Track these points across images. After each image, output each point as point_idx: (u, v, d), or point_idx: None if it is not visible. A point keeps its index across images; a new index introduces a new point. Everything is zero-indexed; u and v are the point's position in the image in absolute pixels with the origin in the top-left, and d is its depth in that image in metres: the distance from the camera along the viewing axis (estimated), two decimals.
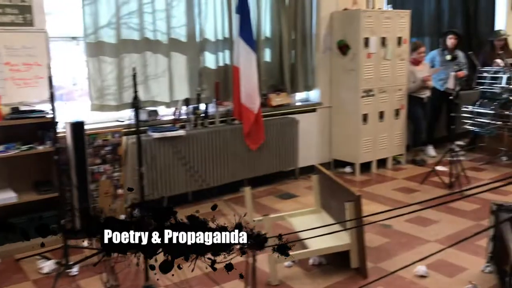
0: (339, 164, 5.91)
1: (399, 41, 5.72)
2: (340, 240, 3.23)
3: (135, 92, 2.62)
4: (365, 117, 5.61)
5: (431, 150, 6.43)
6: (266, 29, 5.27)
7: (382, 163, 5.94)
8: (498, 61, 6.07)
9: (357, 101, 5.53)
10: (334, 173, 5.73)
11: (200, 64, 4.81)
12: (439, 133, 6.66)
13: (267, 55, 5.33)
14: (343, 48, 5.53)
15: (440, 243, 3.70)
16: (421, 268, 3.21)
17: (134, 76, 2.60)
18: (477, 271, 3.23)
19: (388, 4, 6.30)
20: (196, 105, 4.71)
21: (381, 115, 5.76)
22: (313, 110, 5.75)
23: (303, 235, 3.49)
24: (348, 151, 5.75)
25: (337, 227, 3.44)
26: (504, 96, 5.98)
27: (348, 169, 5.79)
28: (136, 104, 2.55)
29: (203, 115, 4.75)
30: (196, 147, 4.60)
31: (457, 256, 3.46)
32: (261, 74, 5.10)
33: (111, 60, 4.26)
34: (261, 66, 5.13)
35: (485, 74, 6.17)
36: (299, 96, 5.80)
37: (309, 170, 5.27)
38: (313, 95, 5.85)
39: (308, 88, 5.71)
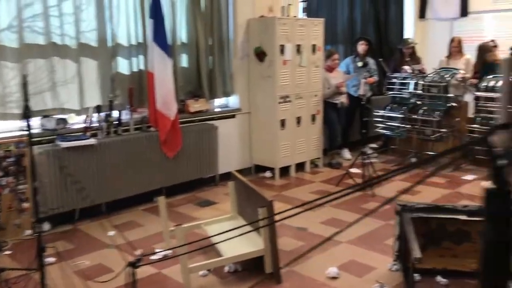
0: (260, 169, 5.96)
1: (314, 48, 5.89)
2: (254, 246, 3.23)
3: (26, 101, 2.45)
4: (283, 123, 5.70)
5: (346, 153, 6.67)
6: (182, 34, 5.21)
7: (300, 166, 6.07)
8: (406, 67, 6.42)
9: (275, 107, 5.61)
10: (255, 178, 5.80)
11: (113, 70, 4.65)
12: (354, 137, 6.92)
13: (183, 60, 5.27)
14: (260, 54, 5.59)
15: (351, 244, 3.82)
16: (332, 270, 3.29)
17: (25, 84, 2.44)
18: (385, 270, 3.37)
19: (303, 12, 6.49)
20: (109, 112, 4.54)
21: (298, 120, 5.89)
22: (233, 116, 5.75)
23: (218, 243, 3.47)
24: (267, 156, 5.82)
25: (252, 233, 3.45)
26: (412, 100, 6.34)
27: (268, 174, 5.86)
28: (27, 114, 2.39)
29: (116, 122, 4.59)
30: (109, 156, 4.44)
31: (366, 256, 3.59)
32: (177, 79, 5.03)
33: (12, 65, 4.01)
34: (177, 71, 5.06)
35: (394, 80, 6.50)
36: (218, 102, 5.79)
37: (230, 176, 5.25)
38: (232, 101, 5.86)
39: (226, 94, 5.71)
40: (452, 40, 6.63)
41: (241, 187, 3.82)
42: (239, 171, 5.67)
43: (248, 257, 3.20)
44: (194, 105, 5.26)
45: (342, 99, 6.35)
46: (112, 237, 4.03)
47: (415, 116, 6.22)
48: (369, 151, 6.72)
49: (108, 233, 4.08)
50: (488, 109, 5.70)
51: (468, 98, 6.36)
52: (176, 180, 4.99)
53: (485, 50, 6.33)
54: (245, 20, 5.67)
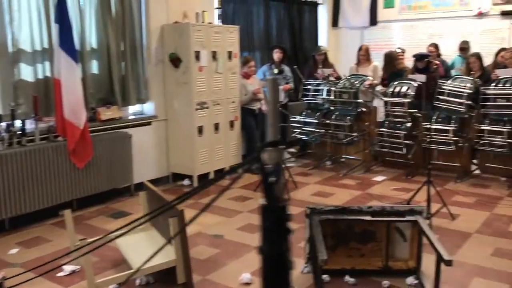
0: (178, 177, 5.87)
1: (230, 55, 5.92)
2: (166, 256, 3.16)
3: None
4: (200, 129, 5.66)
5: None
6: (92, 40, 5.02)
7: (220, 173, 6.06)
8: (319, 71, 6.62)
9: (192, 113, 5.56)
10: (173, 187, 5.71)
11: (15, 77, 4.37)
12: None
13: (94, 66, 5.08)
14: (175, 61, 5.52)
15: None
16: (245, 276, 3.30)
17: None
18: (297, 273, 3.43)
19: (218, 19, 6.50)
20: (11, 121, 4.26)
21: (216, 126, 5.88)
22: (148, 124, 5.63)
23: (129, 255, 3.36)
24: (185, 163, 5.75)
25: (163, 244, 3.38)
26: (325, 106, 6.57)
27: (186, 182, 5.78)
28: None
29: (20, 132, 4.32)
30: (12, 168, 4.16)
31: None
32: (87, 86, 4.84)
33: None
34: (87, 78, 4.87)
35: (309, 87, 6.71)
36: (133, 109, 5.64)
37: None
38: (148, 108, 5.73)
39: (141, 101, 5.58)
40: (360, 49, 6.94)
41: (153, 197, 3.73)
42: (156, 180, 5.58)
43: (159, 269, 3.12)
44: (106, 113, 5.08)
45: (263, 106, 6.43)
46: (14, 255, 3.78)
47: (329, 121, 6.44)
48: (286, 156, 6.88)
49: (10, 251, 3.82)
50: (395, 113, 6.01)
51: (377, 103, 6.70)
52: (87, 192, 4.78)
53: (391, 58, 6.68)
54: (159, 25, 5.58)
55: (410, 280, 3.23)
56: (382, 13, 8.30)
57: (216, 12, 6.51)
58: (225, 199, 5.26)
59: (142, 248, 3.45)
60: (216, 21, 6.41)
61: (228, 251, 3.81)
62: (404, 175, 5.98)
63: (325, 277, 3.27)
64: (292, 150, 7.37)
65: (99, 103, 5.11)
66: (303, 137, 6.72)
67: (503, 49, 6.52)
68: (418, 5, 7.94)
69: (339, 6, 8.66)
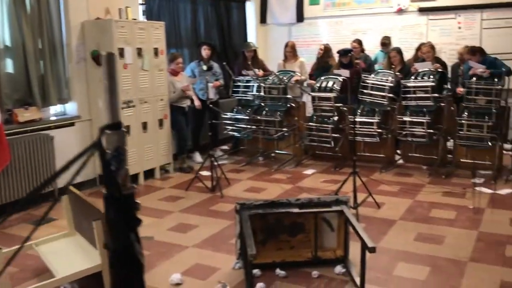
0: None
1: (156, 52, 5.78)
2: (91, 262, 3.03)
3: None
4: (127, 129, 5.49)
5: (198, 157, 6.68)
6: (5, 37, 4.72)
7: (150, 173, 5.92)
8: (251, 72, 6.63)
9: None
10: (101, 189, 5.49)
11: None
12: (205, 140, 6.97)
13: (8, 65, 4.77)
14: (98, 58, 5.31)
15: (197, 248, 3.81)
16: (175, 276, 3.24)
17: None
18: (229, 269, 3.41)
19: (143, 15, 6.34)
20: None
21: (145, 125, 5.73)
22: (71, 124, 5.37)
23: (51, 263, 3.19)
24: None
25: (90, 248, 3.24)
26: (256, 102, 6.61)
27: None
28: None
29: None
30: None
31: (212, 257, 3.61)
32: (1, 87, 4.54)
33: None
34: (1, 78, 4.57)
35: (239, 83, 6.71)
36: (54, 110, 5.36)
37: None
38: (70, 108, 5.48)
39: (62, 101, 5.32)
40: (286, 45, 7.02)
41: (76, 201, 3.56)
42: (83, 182, 5.35)
43: (84, 275, 2.98)
44: (24, 114, 4.80)
45: (196, 103, 6.35)
46: None
47: (259, 117, 6.48)
48: (219, 153, 6.85)
49: None
50: (323, 107, 6.16)
51: (305, 98, 6.83)
52: (5, 199, 4.49)
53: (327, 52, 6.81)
54: (79, 22, 5.34)
55: (338, 269, 3.31)
56: (308, 10, 8.46)
57: (141, 8, 6.33)
58: (156, 199, 5.15)
59: (66, 255, 3.29)
60: (141, 17, 6.25)
61: (159, 252, 3.72)
62: (332, 168, 6.14)
63: (256, 271, 3.27)
64: (225, 147, 7.35)
65: (16, 104, 4.81)
66: (235, 134, 6.72)
67: (423, 44, 6.86)
68: (342, 2, 8.18)
69: (266, 2, 8.73)
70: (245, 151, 7.02)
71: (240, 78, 6.72)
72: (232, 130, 6.70)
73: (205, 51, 6.60)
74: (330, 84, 6.18)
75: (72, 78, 5.35)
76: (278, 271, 3.30)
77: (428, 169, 5.89)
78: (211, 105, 6.09)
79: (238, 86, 6.71)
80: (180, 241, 3.93)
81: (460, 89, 5.83)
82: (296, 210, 3.29)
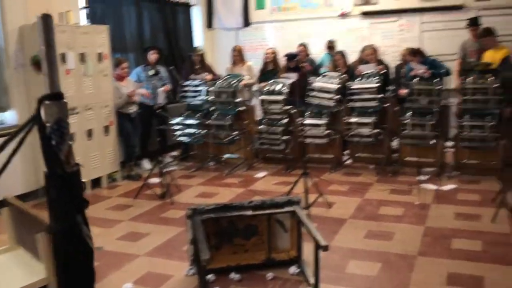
0: None
1: (100, 56, 5.62)
2: (35, 276, 2.87)
3: None
4: (71, 137, 5.28)
5: (146, 164, 6.53)
6: None
7: (97, 182, 5.73)
8: (199, 76, 6.55)
9: None
10: (44, 201, 5.25)
11: None
12: (154, 146, 6.84)
13: None
14: (38, 64, 5.08)
15: (149, 256, 3.71)
16: (127, 286, 3.13)
17: None
18: (182, 276, 3.34)
19: (87, 19, 6.15)
20: None
21: (90, 133, 5.55)
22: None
23: None
24: None
25: (34, 262, 3.08)
26: (205, 107, 6.55)
27: None
28: None
29: None
30: None
31: (164, 265, 3.52)
32: None
33: None
34: None
35: (187, 88, 6.63)
36: None
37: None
38: (9, 117, 5.21)
39: (0, 109, 5.05)
40: (234, 49, 7.03)
41: (18, 213, 3.37)
42: (26, 194, 5.10)
43: None
44: None
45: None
46: None
47: (209, 122, 6.43)
48: (169, 160, 6.73)
49: None
50: (272, 110, 6.19)
51: (255, 102, 6.85)
52: None
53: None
54: (17, 26, 5.10)
55: (293, 269, 3.31)
56: (255, 14, 8.51)
57: (83, 12, 6.13)
58: (103, 209, 4.98)
59: (7, 271, 3.11)
60: (84, 21, 6.05)
61: (109, 263, 3.59)
62: (284, 170, 6.18)
63: (210, 276, 3.22)
64: (174, 153, 7.23)
65: None
66: (185, 139, 6.63)
67: (366, 47, 7.06)
68: (287, 7, 8.28)
69: (212, 7, 8.71)
70: (195, 156, 6.93)
71: (188, 82, 6.64)
72: (182, 136, 6.61)
73: (153, 56, 6.47)
74: (278, 87, 6.23)
75: (10, 85, 5.10)
76: (232, 275, 3.26)
77: (375, 168, 6.04)
78: (158, 111, 5.98)
79: (187, 91, 6.63)
80: (130, 250, 3.81)
81: (403, 91, 6.03)
82: (249, 212, 3.27)
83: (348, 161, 6.39)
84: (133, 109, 6.13)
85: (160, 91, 6.37)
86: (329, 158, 6.26)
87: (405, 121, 5.74)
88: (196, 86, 6.59)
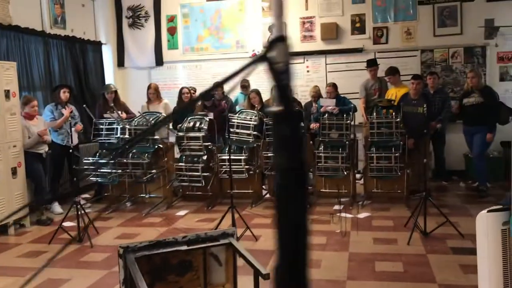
0: None
1: (8, 94, 5.29)
2: None
3: None
4: None
5: (57, 207, 6.13)
6: None
7: (3, 229, 5.26)
8: (114, 114, 6.38)
9: None
10: None
11: None
12: (65, 189, 6.47)
13: None
14: None
15: None
16: None
17: None
18: None
19: None
20: None
21: None
22: None
23: None
24: None
25: None
26: (121, 145, 6.37)
27: None
28: None
29: None
30: None
31: None
32: None
33: None
34: None
35: (101, 126, 6.42)
36: None
37: None
38: None
39: None
40: (149, 87, 7.00)
41: None
42: None
43: None
44: None
45: (46, 148, 5.86)
46: None
47: (126, 160, 6.25)
48: (82, 202, 6.37)
49: None
50: (192, 147, 6.19)
51: (172, 139, 6.81)
52: None
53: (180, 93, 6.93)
54: None
55: None
56: (168, 53, 8.55)
57: None
58: (13, 257, 4.58)
59: None
60: None
61: None
62: (205, 207, 6.14)
63: None
64: (86, 195, 6.87)
65: None
66: (99, 179, 6.35)
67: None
68: (200, 47, 8.44)
69: (123, 46, 8.62)
70: (110, 197, 6.65)
71: (102, 121, 6.44)
72: (96, 176, 6.34)
73: (64, 94, 6.19)
74: (197, 124, 6.27)
75: None
76: None
77: None
78: (71, 150, 5.71)
79: (100, 129, 6.41)
80: None
81: (314, 125, 6.36)
82: (184, 247, 3.21)
83: (267, 195, 6.52)
84: (44, 149, 5.78)
85: (74, 130, 6.11)
86: (249, 193, 6.34)
87: (319, 154, 6.04)
88: (110, 124, 6.41)
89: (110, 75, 8.43)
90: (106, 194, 6.71)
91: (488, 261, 1.90)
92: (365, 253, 4.22)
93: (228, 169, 6.08)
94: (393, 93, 6.43)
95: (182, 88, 7.09)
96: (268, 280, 2.85)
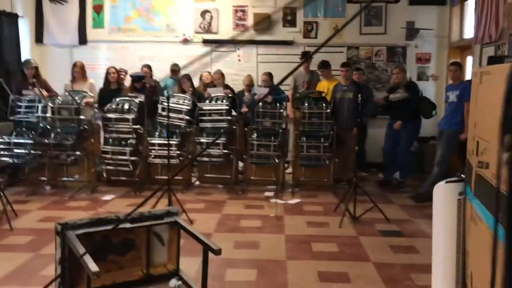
0: None
1: None
2: None
3: None
4: None
5: None
6: None
7: None
8: (35, 91, 5.93)
9: None
10: None
11: None
12: None
13: None
14: None
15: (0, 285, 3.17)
16: None
17: None
18: None
19: None
20: None
21: None
22: None
23: None
24: None
25: None
26: (42, 125, 5.95)
27: None
28: None
29: None
30: None
31: None
32: None
33: None
34: None
35: (19, 103, 5.94)
36: None
37: None
38: None
39: None
40: (75, 65, 6.61)
41: None
42: None
43: None
44: None
45: None
46: None
47: (48, 141, 5.84)
48: None
49: None
50: (120, 130, 5.93)
51: (99, 120, 6.48)
52: None
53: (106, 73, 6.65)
54: None
55: (174, 282, 3.19)
56: (92, 32, 8.11)
57: None
58: None
59: None
60: None
61: None
62: (132, 192, 5.92)
63: None
64: None
65: None
66: (15, 161, 5.87)
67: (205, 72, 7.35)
68: (128, 28, 8.11)
69: (43, 21, 8.04)
70: (26, 181, 6.19)
71: (21, 98, 5.96)
72: (10, 157, 5.84)
73: None
74: (126, 106, 6.01)
75: None
76: None
77: (224, 187, 6.21)
78: None
79: (19, 107, 5.93)
80: None
81: (244, 109, 6.42)
82: (128, 225, 3.07)
83: (197, 182, 6.44)
84: None
85: None
86: (179, 180, 6.20)
87: (253, 142, 6.08)
88: (31, 101, 5.96)
89: (27, 51, 7.81)
90: (21, 177, 6.22)
91: (444, 229, 2.02)
92: (300, 235, 4.31)
93: (157, 154, 5.96)
94: (325, 85, 6.63)
95: (109, 68, 6.77)
96: (220, 255, 2.82)
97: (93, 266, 2.43)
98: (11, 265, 3.52)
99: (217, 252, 2.76)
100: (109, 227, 3.06)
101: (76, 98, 5.93)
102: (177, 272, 3.29)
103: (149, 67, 7.29)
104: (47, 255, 3.72)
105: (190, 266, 3.35)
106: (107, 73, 6.63)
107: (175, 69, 7.48)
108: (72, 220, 3.00)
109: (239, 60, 8.04)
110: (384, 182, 6.54)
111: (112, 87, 6.62)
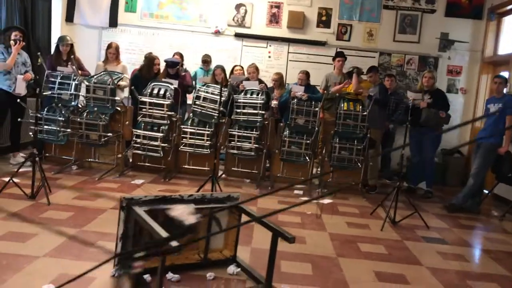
0: None
1: None
2: None
3: None
4: None
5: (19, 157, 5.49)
6: None
7: None
8: (72, 67, 5.80)
9: None
10: None
11: None
12: (4, 141, 5.80)
13: None
14: None
15: (51, 257, 3.06)
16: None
17: None
18: (108, 278, 2.84)
19: None
20: None
21: None
22: None
23: None
24: None
25: None
26: (74, 103, 5.84)
27: None
28: None
29: None
30: None
31: (77, 267, 2.95)
32: None
33: None
34: None
35: (53, 79, 5.83)
36: None
37: None
38: None
39: None
40: (110, 46, 6.50)
41: None
42: None
43: None
44: None
45: None
46: None
47: (79, 119, 5.74)
48: (19, 160, 5.72)
49: None
50: (154, 114, 5.83)
51: (130, 103, 6.37)
52: None
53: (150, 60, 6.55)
54: None
55: (232, 269, 3.11)
56: (123, 16, 8.01)
57: None
58: None
59: None
60: None
61: (1, 265, 2.85)
62: (161, 178, 5.81)
63: (146, 277, 2.81)
64: (22, 154, 6.18)
65: None
66: (45, 136, 5.75)
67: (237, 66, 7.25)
68: (160, 15, 8.02)
69: (75, 1, 7.93)
70: (52, 158, 6.06)
71: (55, 73, 5.84)
72: (41, 132, 5.72)
73: (17, 37, 5.52)
74: (162, 91, 5.92)
75: None
76: (170, 275, 2.90)
77: (251, 182, 6.11)
78: (19, 101, 5.12)
79: (53, 82, 5.81)
80: (23, 251, 3.09)
81: (274, 102, 6.39)
82: (192, 206, 2.97)
83: (223, 175, 6.33)
84: None
85: (20, 78, 5.50)
86: (204, 171, 6.07)
87: (284, 138, 5.99)
88: (64, 78, 5.84)
89: (57, 29, 7.70)
90: (47, 154, 6.10)
91: None
92: (344, 234, 4.23)
93: (189, 142, 5.86)
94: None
95: (155, 58, 6.58)
96: (294, 243, 2.74)
97: (174, 242, 2.33)
98: (58, 239, 3.40)
99: (291, 240, 2.69)
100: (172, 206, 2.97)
101: (111, 78, 5.82)
102: (234, 258, 3.21)
103: (180, 55, 7.19)
104: (91, 232, 3.62)
105: (240, 254, 3.26)
106: (151, 61, 6.48)
107: (206, 60, 7.40)
108: (137, 196, 2.92)
109: (269, 57, 7.97)
110: (409, 190, 6.48)
111: (149, 75, 6.48)
